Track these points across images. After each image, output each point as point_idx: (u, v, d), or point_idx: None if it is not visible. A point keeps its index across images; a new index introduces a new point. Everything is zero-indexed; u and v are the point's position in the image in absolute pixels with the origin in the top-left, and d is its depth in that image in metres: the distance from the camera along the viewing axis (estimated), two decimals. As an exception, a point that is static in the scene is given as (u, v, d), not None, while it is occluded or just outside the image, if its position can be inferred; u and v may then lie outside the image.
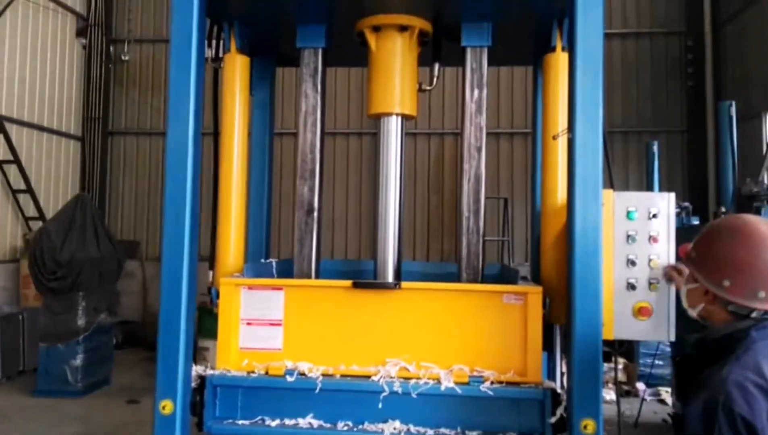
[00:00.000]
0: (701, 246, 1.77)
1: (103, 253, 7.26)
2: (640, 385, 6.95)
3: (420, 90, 2.83)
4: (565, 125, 2.49)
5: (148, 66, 11.20)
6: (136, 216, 11.31)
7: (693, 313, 1.80)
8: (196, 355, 7.04)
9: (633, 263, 2.41)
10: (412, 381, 2.39)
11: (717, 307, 1.71)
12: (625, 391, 6.95)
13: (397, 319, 2.50)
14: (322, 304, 2.54)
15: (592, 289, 2.22)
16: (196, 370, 2.49)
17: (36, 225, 8.80)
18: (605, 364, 6.16)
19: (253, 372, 2.50)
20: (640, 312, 2.35)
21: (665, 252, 2.43)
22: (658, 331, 2.36)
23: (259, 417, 2.49)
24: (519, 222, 10.18)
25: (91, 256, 7.08)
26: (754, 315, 1.64)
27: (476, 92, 2.73)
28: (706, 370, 1.62)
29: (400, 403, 2.39)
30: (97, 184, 11.20)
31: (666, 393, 6.84)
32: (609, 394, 6.54)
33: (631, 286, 2.40)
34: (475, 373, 2.40)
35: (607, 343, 2.31)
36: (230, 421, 2.49)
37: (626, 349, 7.30)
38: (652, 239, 2.41)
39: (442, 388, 2.34)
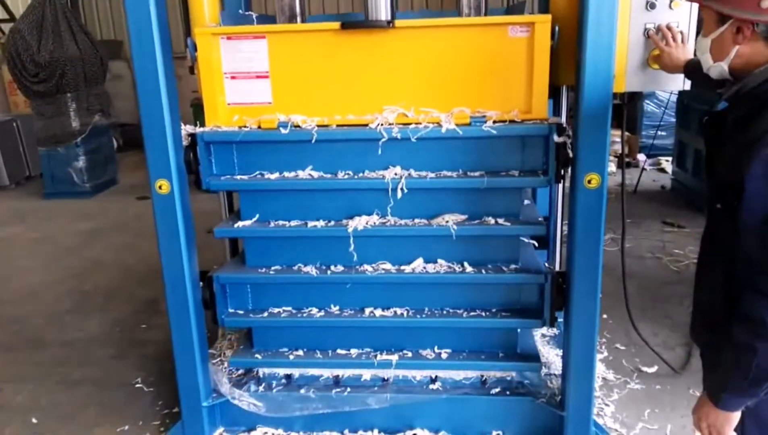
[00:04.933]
0: None
1: (83, 51, 6.88)
2: (641, 156, 7.00)
3: None
4: None
5: None
6: (113, 13, 10.58)
7: (723, 66, 1.49)
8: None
9: (652, 6, 2.15)
10: (412, 126, 2.28)
11: (758, 44, 1.40)
12: (626, 163, 7.02)
13: (392, 63, 2.30)
14: (309, 52, 2.32)
15: (606, 27, 2.00)
16: (186, 129, 2.37)
17: (8, 28, 8.24)
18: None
19: (245, 126, 2.40)
20: (654, 60, 2.15)
21: (689, -8, 2.16)
22: (671, 80, 2.19)
23: (257, 172, 2.45)
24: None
25: (71, 55, 6.72)
26: None
27: None
28: (752, 124, 1.36)
29: (400, 150, 2.33)
30: (64, -22, 10.29)
31: (666, 162, 6.92)
32: (610, 166, 6.63)
33: (648, 34, 2.17)
34: (476, 114, 2.29)
35: (616, 96, 2.16)
36: (228, 176, 2.45)
37: (630, 111, 7.17)
38: (677, -23, 2.13)
39: (443, 130, 2.24)
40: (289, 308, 2.58)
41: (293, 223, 2.48)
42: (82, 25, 7.25)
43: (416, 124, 2.28)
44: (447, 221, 2.36)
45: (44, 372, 3.33)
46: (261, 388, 2.66)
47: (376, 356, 2.55)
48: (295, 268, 2.51)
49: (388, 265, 2.45)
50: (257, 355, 2.64)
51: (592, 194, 2.17)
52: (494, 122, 2.25)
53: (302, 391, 2.63)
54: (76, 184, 7.12)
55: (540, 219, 2.45)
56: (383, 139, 2.28)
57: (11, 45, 6.67)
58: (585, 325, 2.31)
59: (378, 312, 2.50)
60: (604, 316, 3.47)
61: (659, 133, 6.80)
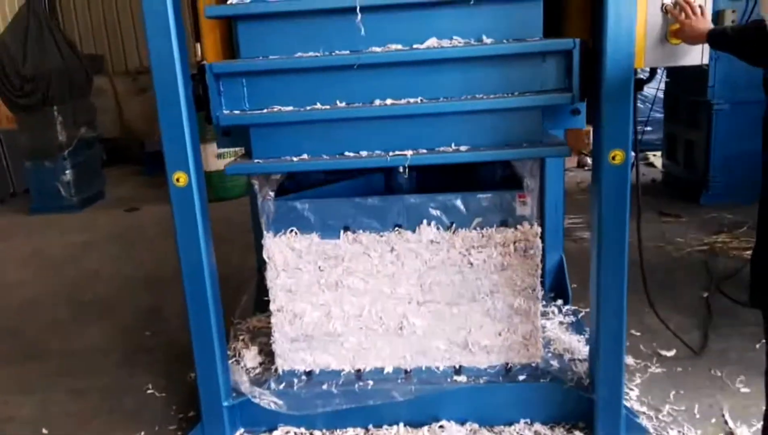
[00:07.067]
0: None
1: (68, 63, 6.78)
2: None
3: None
4: None
5: None
6: (93, 27, 10.45)
7: None
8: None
9: (669, -17, 2.17)
10: None
11: None
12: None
13: None
14: None
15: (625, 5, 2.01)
16: None
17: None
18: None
19: None
20: (674, 35, 2.16)
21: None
22: (690, 54, 2.19)
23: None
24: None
25: (57, 67, 6.62)
26: None
27: None
28: None
29: None
30: (43, -8, 10.17)
31: (654, 157, 7.00)
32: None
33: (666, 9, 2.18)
34: None
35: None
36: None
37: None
38: (692, -49, 2.14)
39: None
40: (290, 107, 2.30)
41: None
42: (67, 37, 7.16)
43: None
44: None
45: (49, 382, 3.22)
46: (281, 386, 2.60)
47: (388, 155, 2.28)
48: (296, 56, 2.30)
49: (398, 46, 2.25)
50: (257, 161, 2.36)
51: (616, 170, 2.17)
52: None
53: (324, 386, 2.58)
54: (63, 198, 6.95)
55: None
56: None
57: (-5, 59, 6.55)
58: (614, 304, 2.30)
59: (389, 101, 2.26)
60: (616, 303, 3.46)
61: (647, 128, 6.87)
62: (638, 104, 7.05)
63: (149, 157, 9.08)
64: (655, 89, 6.77)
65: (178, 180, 2.27)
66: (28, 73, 6.47)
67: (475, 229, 2.46)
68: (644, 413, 2.58)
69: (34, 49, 6.54)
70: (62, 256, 5.39)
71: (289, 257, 2.55)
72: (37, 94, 6.57)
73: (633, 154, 6.35)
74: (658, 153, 6.72)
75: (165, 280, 4.50)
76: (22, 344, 3.70)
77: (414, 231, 2.48)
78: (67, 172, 6.93)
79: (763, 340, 1.62)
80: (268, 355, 2.81)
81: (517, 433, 2.48)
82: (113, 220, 6.55)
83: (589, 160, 6.74)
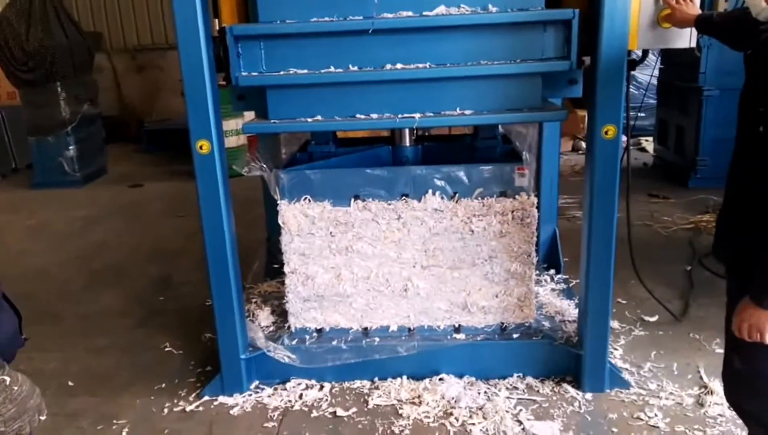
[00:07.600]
0: None
1: (71, 39, 6.88)
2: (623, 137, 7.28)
3: None
4: None
5: None
6: (91, 4, 10.48)
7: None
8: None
9: (660, -31, 2.35)
10: None
11: None
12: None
13: None
14: None
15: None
16: None
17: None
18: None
19: None
20: (665, 19, 2.34)
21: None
22: (679, 38, 2.38)
23: None
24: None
25: (60, 43, 6.72)
26: None
27: None
28: None
29: None
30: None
31: (646, 142, 7.21)
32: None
33: (658, -6, 2.37)
34: None
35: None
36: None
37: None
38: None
39: None
40: (305, 70, 2.43)
41: None
42: (69, 13, 7.24)
43: None
44: None
45: (69, 342, 3.40)
46: (294, 342, 2.80)
47: (397, 117, 2.45)
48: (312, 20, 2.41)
49: (408, 12, 2.39)
50: (274, 121, 2.51)
51: (609, 145, 2.37)
52: None
53: (333, 342, 2.78)
54: (66, 173, 7.09)
55: None
56: None
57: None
58: (602, 269, 2.51)
59: (399, 66, 2.39)
60: (604, 275, 3.68)
61: (639, 114, 7.07)
62: (632, 90, 7.27)
63: (148, 135, 9.20)
64: (649, 76, 6.99)
65: (201, 147, 2.44)
66: (32, 47, 6.56)
67: (476, 198, 2.66)
68: (627, 369, 2.80)
69: (38, 24, 6.62)
70: (68, 229, 5.54)
71: (303, 223, 2.73)
72: (41, 69, 6.67)
73: (625, 137, 6.53)
74: (651, 138, 6.93)
75: (172, 252, 4.68)
76: (38, 307, 3.85)
77: (420, 200, 2.67)
78: (71, 147, 7.06)
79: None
80: (280, 315, 3.01)
81: (511, 385, 2.69)
82: (117, 195, 6.69)
83: (583, 145, 6.96)
